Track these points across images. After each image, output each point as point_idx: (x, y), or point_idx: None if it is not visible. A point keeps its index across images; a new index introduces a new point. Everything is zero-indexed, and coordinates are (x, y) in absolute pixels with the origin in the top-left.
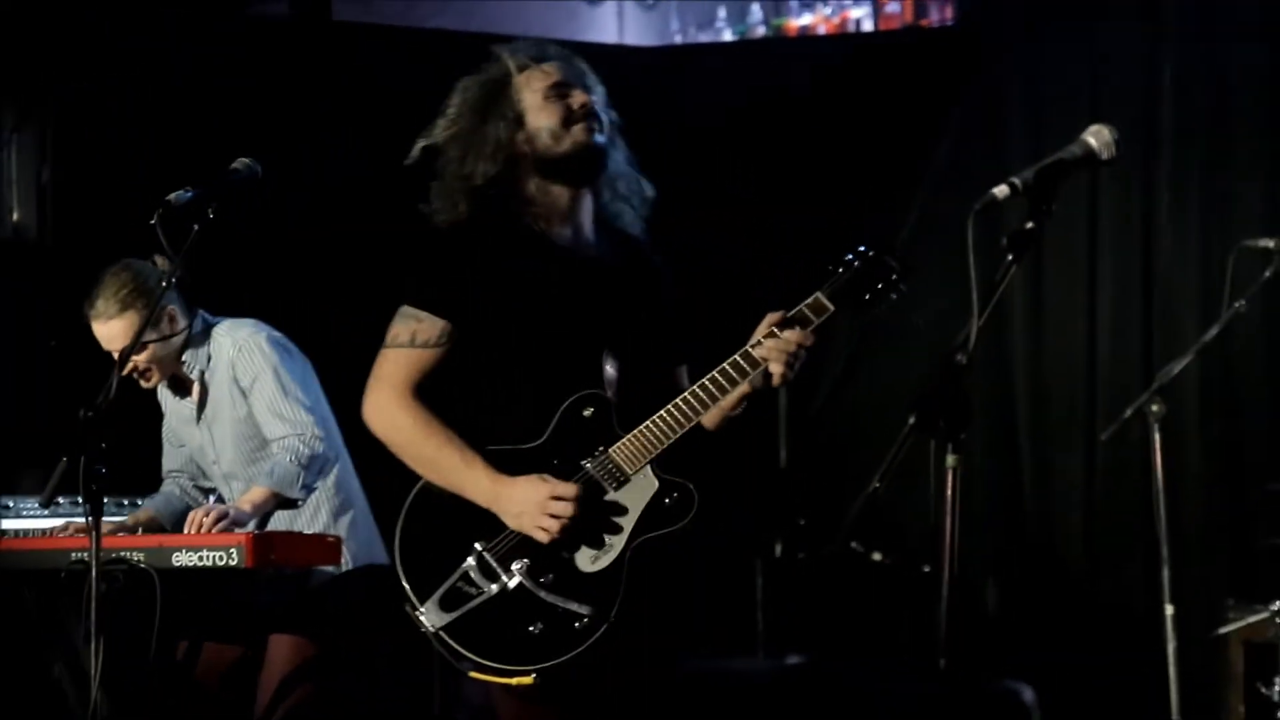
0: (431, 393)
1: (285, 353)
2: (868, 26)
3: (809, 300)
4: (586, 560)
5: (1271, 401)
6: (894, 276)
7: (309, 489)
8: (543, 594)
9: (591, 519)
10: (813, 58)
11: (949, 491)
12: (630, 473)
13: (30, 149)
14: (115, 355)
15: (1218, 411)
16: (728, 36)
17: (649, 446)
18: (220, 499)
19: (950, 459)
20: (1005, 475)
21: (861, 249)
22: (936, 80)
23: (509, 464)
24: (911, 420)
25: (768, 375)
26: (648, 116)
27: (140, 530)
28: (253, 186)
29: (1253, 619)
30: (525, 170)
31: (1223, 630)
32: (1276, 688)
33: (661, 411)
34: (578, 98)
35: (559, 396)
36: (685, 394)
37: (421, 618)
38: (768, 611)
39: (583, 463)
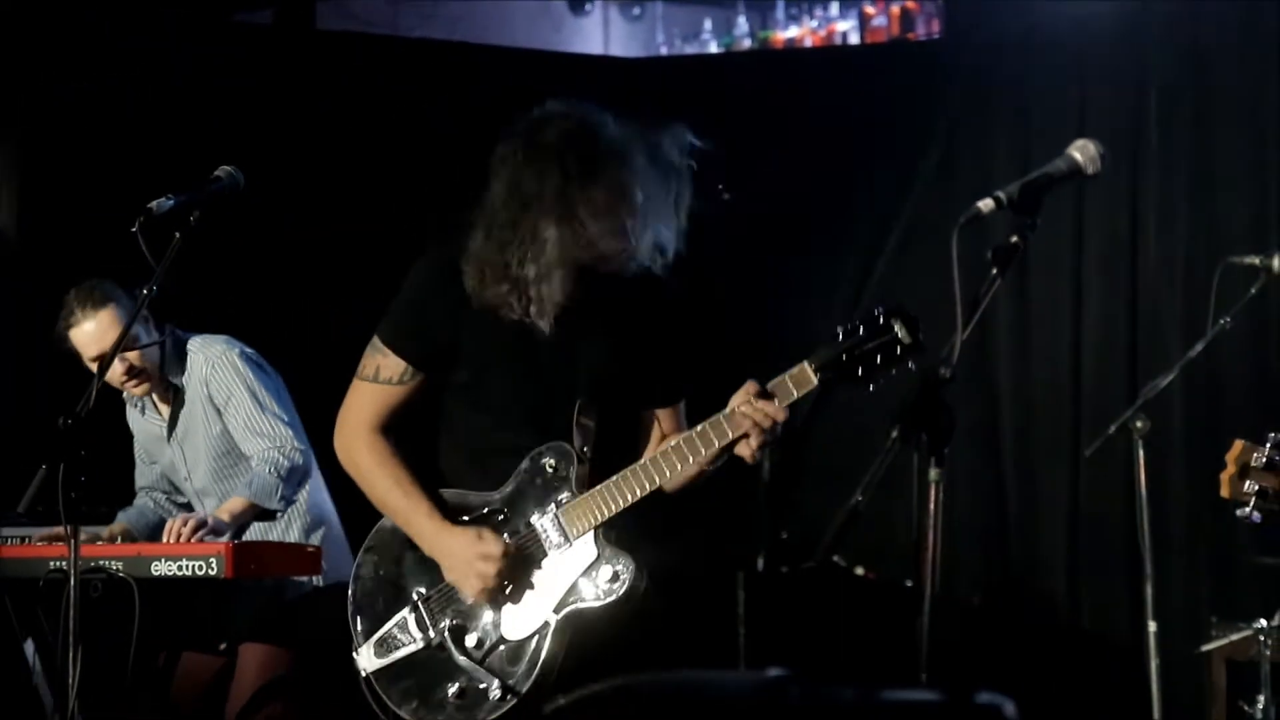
0: (404, 427)
1: (259, 369)
2: (854, 40)
3: (793, 370)
4: (512, 625)
5: (1255, 419)
6: (898, 351)
7: (288, 500)
8: (459, 657)
9: (522, 582)
10: (799, 70)
11: (932, 505)
12: (573, 537)
13: (10, 152)
14: (94, 365)
15: (1202, 428)
16: (714, 48)
17: (597, 512)
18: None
19: (933, 473)
20: (988, 490)
21: (869, 314)
22: (922, 94)
23: (459, 511)
24: (894, 434)
25: (732, 447)
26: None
27: (118, 540)
28: (234, 195)
29: (1235, 637)
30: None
31: (1206, 648)
32: (1259, 705)
33: (619, 475)
34: (629, 212)
35: (526, 446)
36: (646, 460)
37: (357, 659)
38: (750, 626)
39: (530, 519)
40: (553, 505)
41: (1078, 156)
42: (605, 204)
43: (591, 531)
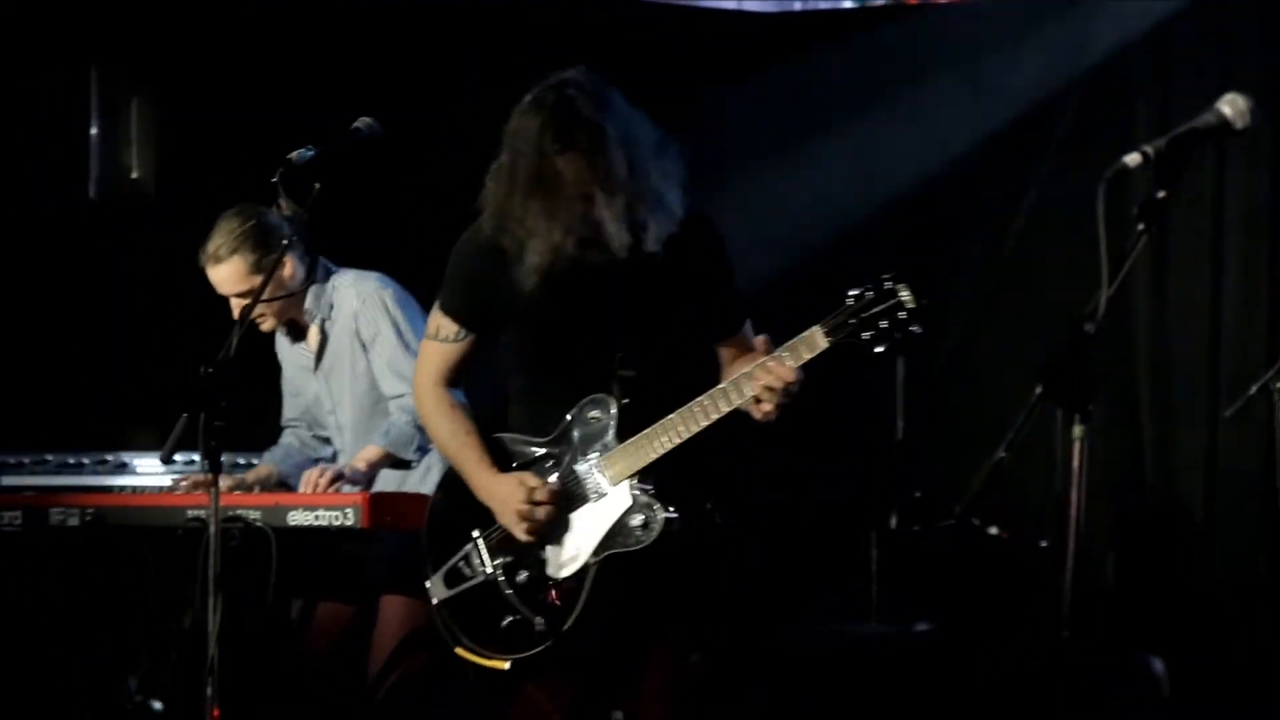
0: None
1: (409, 310)
2: None
3: (804, 334)
4: (555, 565)
5: None
6: (902, 315)
7: (423, 450)
8: (510, 593)
9: (565, 525)
10: (936, 25)
11: (1075, 463)
12: (612, 484)
13: (148, 107)
14: (231, 299)
15: None
16: (849, 4)
17: (633, 460)
18: (336, 452)
19: (1076, 430)
20: (1126, 448)
21: (877, 280)
22: (1060, 50)
23: (511, 458)
24: (1038, 390)
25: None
26: (768, 85)
27: (257, 489)
28: (374, 145)
29: None
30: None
31: None
32: None
33: (653, 426)
34: (602, 185)
35: (570, 399)
36: (677, 412)
37: (429, 588)
38: (882, 584)
39: (574, 467)
40: (594, 454)
41: (1227, 111)
42: (574, 173)
43: (627, 479)
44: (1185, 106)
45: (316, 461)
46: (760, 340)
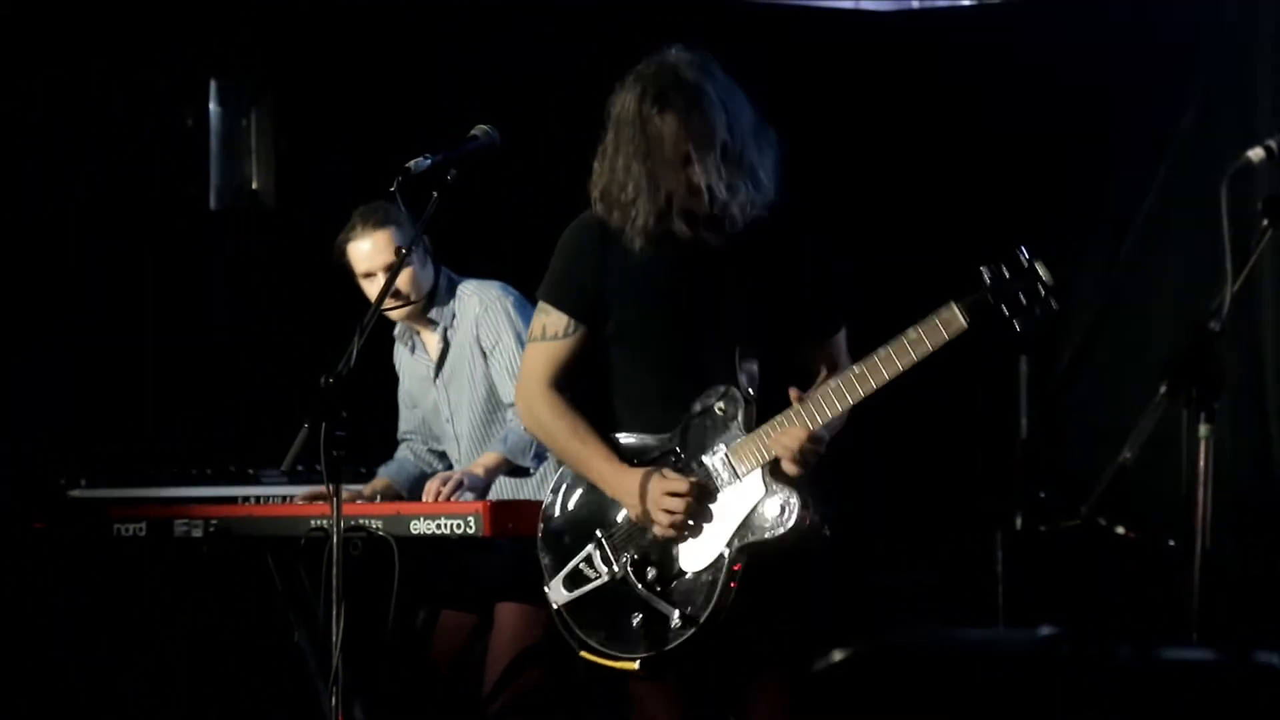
0: (578, 381)
1: (529, 318)
2: None
3: (941, 311)
4: (690, 558)
5: None
6: (1042, 291)
7: (541, 458)
8: (640, 589)
9: (699, 518)
10: (1062, 22)
11: (1201, 462)
12: (742, 474)
13: (267, 115)
14: (364, 283)
15: None
16: (968, 1)
17: (764, 450)
18: (451, 464)
19: (1203, 429)
20: (1253, 446)
21: (1013, 256)
22: (1181, 48)
23: (636, 454)
24: (1163, 388)
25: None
26: (887, 85)
27: (377, 498)
28: (492, 154)
29: None
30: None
31: None
32: None
33: (780, 415)
34: (697, 152)
35: (686, 392)
36: (812, 396)
37: (548, 593)
38: (1008, 585)
39: (703, 458)
40: (722, 445)
41: None
42: (672, 133)
43: (759, 468)
44: None
45: (428, 477)
46: (792, 392)
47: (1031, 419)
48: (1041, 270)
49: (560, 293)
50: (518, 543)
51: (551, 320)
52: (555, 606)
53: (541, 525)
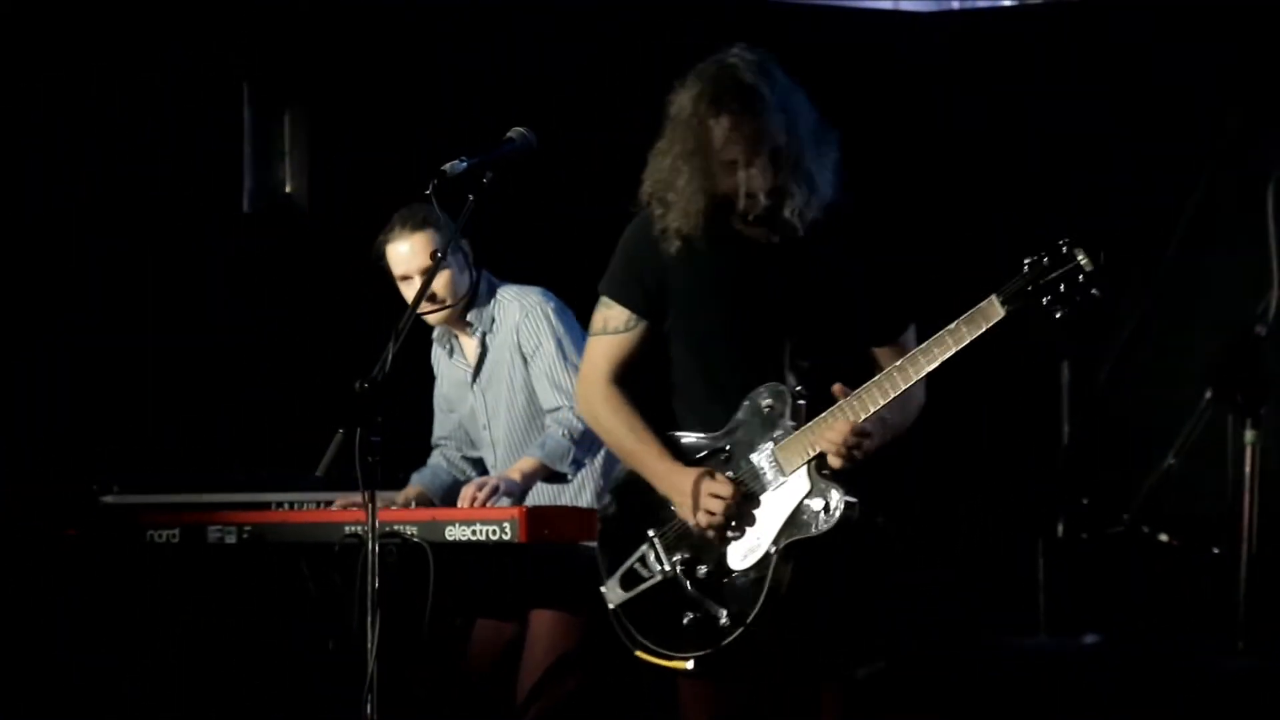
0: (637, 377)
1: (570, 325)
2: None
3: (981, 304)
4: (737, 556)
5: None
6: (1081, 278)
7: (579, 464)
8: (690, 587)
9: (746, 516)
10: (1105, 22)
11: (1248, 468)
12: (789, 472)
13: (301, 120)
14: (402, 285)
15: None
16: (1009, 1)
17: (809, 448)
18: (485, 471)
19: (1249, 434)
20: None
21: (1053, 245)
22: (1222, 50)
23: (689, 452)
24: (1208, 394)
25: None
26: (927, 86)
27: (411, 505)
28: (528, 156)
29: None
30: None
31: None
32: None
33: (827, 412)
34: (748, 152)
35: (741, 388)
36: (857, 391)
37: (605, 593)
38: (1050, 592)
39: (750, 456)
40: (769, 443)
41: None
42: (725, 136)
43: (805, 465)
44: None
45: (461, 485)
46: (836, 388)
47: (1074, 425)
48: (1082, 257)
49: (621, 287)
50: (553, 549)
51: (613, 314)
52: (611, 606)
53: (600, 526)
